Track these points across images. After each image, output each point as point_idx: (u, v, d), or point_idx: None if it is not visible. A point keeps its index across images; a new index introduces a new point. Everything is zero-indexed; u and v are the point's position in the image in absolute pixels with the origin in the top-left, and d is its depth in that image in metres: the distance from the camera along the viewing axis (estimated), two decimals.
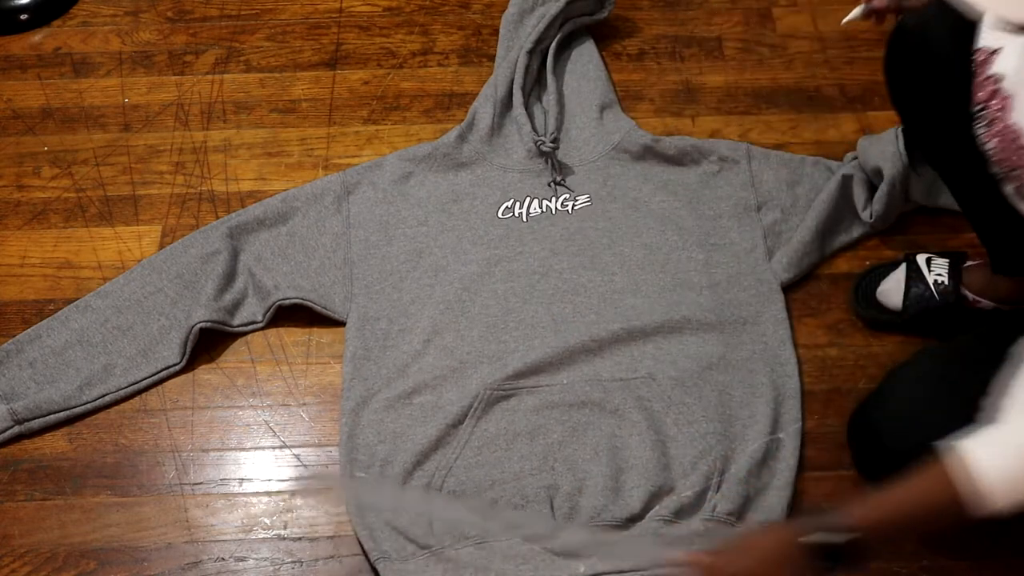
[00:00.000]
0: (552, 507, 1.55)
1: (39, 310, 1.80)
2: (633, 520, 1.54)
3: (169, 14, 2.20)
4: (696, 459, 1.58)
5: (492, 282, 1.76)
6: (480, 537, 1.53)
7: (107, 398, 1.70)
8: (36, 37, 2.18)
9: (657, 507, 1.54)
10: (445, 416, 1.63)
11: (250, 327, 1.77)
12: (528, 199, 1.85)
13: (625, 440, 1.60)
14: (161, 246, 1.86)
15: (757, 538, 1.31)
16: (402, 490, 1.57)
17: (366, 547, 1.54)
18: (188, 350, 1.73)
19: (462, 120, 1.96)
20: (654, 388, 1.64)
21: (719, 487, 1.55)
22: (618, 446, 1.59)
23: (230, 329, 1.76)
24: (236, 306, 1.77)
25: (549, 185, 1.86)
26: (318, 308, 1.76)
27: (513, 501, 1.55)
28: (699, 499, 1.55)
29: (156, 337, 1.74)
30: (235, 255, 1.81)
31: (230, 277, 1.79)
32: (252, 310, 1.77)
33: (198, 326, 1.72)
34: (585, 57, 2.05)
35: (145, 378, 1.72)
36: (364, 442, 1.63)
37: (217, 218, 1.88)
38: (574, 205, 1.85)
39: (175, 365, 1.72)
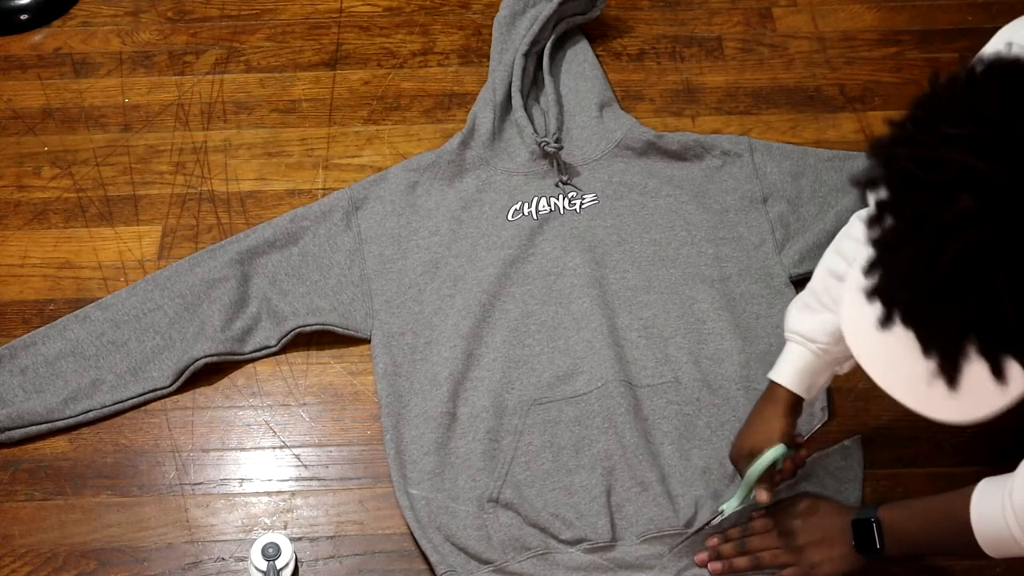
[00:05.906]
0: (610, 518, 1.54)
1: (39, 310, 1.80)
2: (689, 527, 1.53)
3: (169, 14, 2.20)
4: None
5: (509, 286, 1.75)
6: (542, 548, 1.53)
7: (90, 414, 1.67)
8: (36, 37, 2.17)
9: (712, 515, 1.52)
10: (485, 425, 1.62)
11: (263, 352, 1.73)
12: (536, 201, 1.85)
13: (665, 448, 1.59)
14: (161, 246, 1.86)
15: (826, 520, 1.47)
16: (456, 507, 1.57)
17: (432, 560, 1.53)
18: (184, 379, 1.70)
19: (463, 120, 1.96)
20: (682, 392, 1.64)
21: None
22: (658, 453, 1.58)
23: (240, 358, 1.73)
24: (247, 332, 1.73)
25: (557, 185, 1.86)
26: (340, 330, 1.74)
27: (567, 518, 1.54)
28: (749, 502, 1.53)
29: (148, 356, 1.71)
30: (245, 281, 1.77)
31: (239, 305, 1.75)
32: (265, 335, 1.73)
33: (203, 360, 1.70)
34: (580, 56, 2.04)
35: (131, 398, 1.69)
36: (411, 458, 1.61)
37: (217, 218, 1.89)
38: (582, 203, 1.84)
39: (163, 388, 1.70)
